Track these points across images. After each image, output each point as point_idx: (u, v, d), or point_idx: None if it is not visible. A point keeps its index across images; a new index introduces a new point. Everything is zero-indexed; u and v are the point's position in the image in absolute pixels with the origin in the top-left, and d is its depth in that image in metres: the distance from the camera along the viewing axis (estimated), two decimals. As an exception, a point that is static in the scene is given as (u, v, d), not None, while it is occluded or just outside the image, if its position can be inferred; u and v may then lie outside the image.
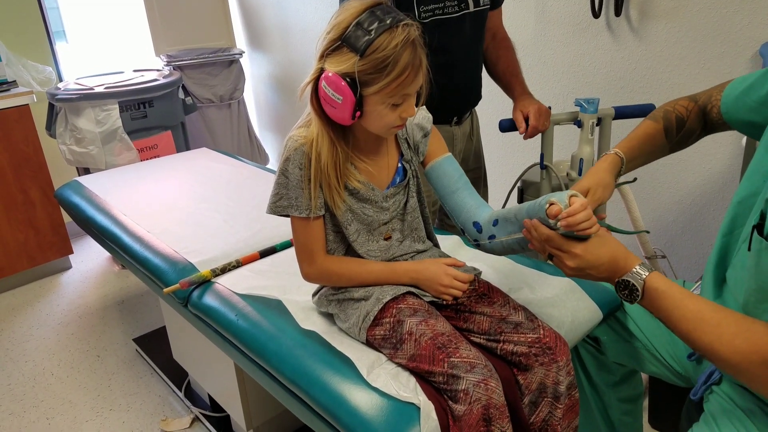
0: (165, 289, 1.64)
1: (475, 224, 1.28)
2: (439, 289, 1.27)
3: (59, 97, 2.97)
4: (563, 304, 1.39)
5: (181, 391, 2.24)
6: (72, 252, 3.34)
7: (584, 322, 1.38)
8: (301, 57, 3.74)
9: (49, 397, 2.36)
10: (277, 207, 1.27)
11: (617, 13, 2.19)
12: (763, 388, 0.93)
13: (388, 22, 1.09)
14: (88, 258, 3.54)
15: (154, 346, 2.53)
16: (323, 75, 1.14)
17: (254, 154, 3.95)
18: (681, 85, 2.13)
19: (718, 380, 1.17)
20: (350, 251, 1.33)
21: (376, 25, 1.09)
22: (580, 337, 1.38)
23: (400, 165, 1.32)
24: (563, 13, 2.39)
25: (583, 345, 1.48)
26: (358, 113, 1.15)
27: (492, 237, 1.25)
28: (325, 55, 1.14)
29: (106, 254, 3.56)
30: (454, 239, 1.72)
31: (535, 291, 1.44)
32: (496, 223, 1.24)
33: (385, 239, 1.33)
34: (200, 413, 2.13)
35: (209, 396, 2.13)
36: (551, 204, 1.06)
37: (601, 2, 2.22)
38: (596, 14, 2.24)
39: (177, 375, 2.31)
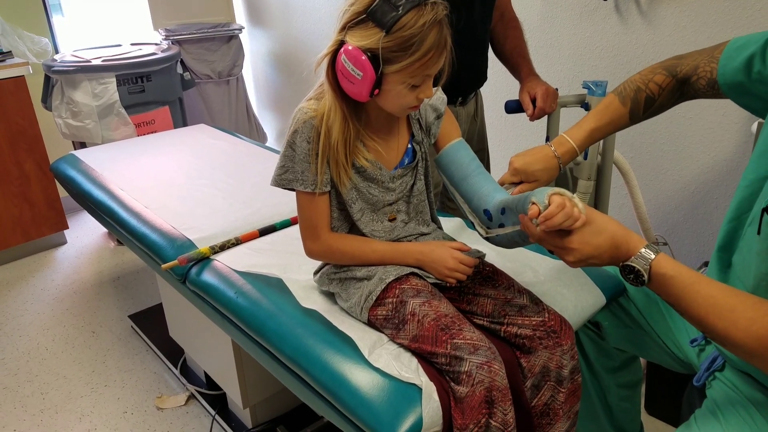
0: (163, 266, 1.62)
1: (486, 212, 1.24)
2: (444, 272, 1.24)
3: (55, 68, 2.92)
4: (567, 289, 1.37)
5: (176, 369, 2.23)
6: (67, 227, 3.31)
7: (587, 306, 1.37)
8: (301, 34, 3.69)
9: (44, 372, 2.34)
10: (282, 180, 1.24)
11: (626, -5, 2.16)
12: None
13: None
14: (84, 233, 3.51)
15: (150, 323, 2.51)
16: (343, 48, 1.10)
17: (252, 132, 3.91)
18: (688, 70, 2.10)
19: (722, 366, 1.16)
20: (354, 230, 1.31)
21: (404, 1, 1.05)
22: (583, 322, 1.37)
23: (410, 146, 1.30)
24: (571, -6, 2.36)
25: (583, 330, 1.47)
26: (376, 91, 1.11)
27: (501, 225, 1.21)
28: (347, 28, 1.10)
29: (102, 230, 3.53)
30: (456, 221, 1.70)
31: (538, 274, 1.42)
32: (503, 212, 1.19)
33: (390, 220, 1.30)
34: (196, 391, 2.12)
35: (205, 374, 2.12)
36: (532, 204, 1.02)
37: (610, -16, 2.19)
38: (604, -4, 2.21)
39: (172, 352, 2.30)
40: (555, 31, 2.46)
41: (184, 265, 1.60)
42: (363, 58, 1.07)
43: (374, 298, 1.23)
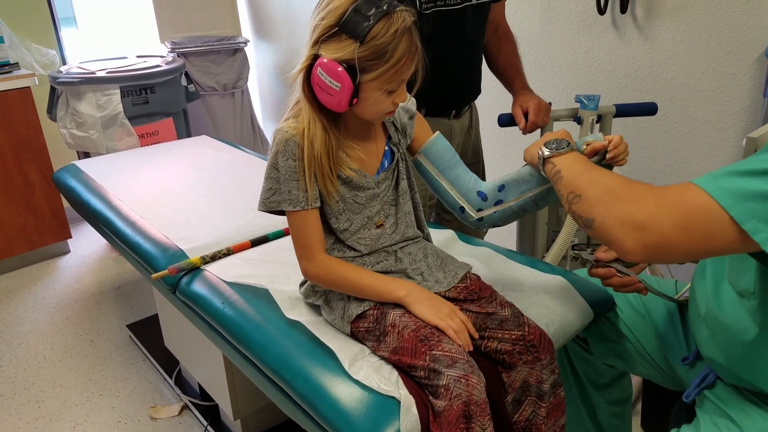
0: (153, 275, 1.63)
1: (480, 193, 1.28)
2: (434, 316, 1.18)
3: (60, 80, 2.97)
4: (554, 303, 1.36)
5: (171, 379, 2.24)
6: (71, 236, 3.34)
7: (574, 320, 1.35)
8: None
9: (41, 380, 2.35)
10: (270, 203, 1.24)
11: (623, 10, 2.16)
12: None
13: (384, 7, 1.08)
14: (87, 243, 3.54)
15: (147, 332, 2.53)
16: (318, 62, 1.12)
17: (257, 143, 3.94)
18: (685, 84, 2.09)
19: (712, 383, 1.15)
20: (337, 244, 1.30)
21: (374, 10, 1.07)
22: (570, 337, 1.35)
23: (387, 148, 1.31)
24: (568, 9, 2.36)
25: (572, 345, 1.46)
26: (354, 100, 1.13)
27: (499, 202, 1.26)
28: (320, 41, 1.12)
29: (104, 240, 3.55)
30: (448, 233, 1.70)
31: (526, 288, 1.42)
32: (502, 188, 1.25)
33: (377, 227, 1.30)
34: (189, 401, 2.12)
35: (199, 384, 2.13)
36: (588, 144, 1.16)
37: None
38: (602, 11, 2.21)
39: (168, 362, 2.30)
40: (552, 46, 2.46)
41: (174, 275, 1.61)
42: (339, 69, 1.09)
43: (356, 310, 1.23)
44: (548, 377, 1.19)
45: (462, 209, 1.31)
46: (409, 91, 1.20)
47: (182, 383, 2.22)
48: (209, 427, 2.01)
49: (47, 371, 2.41)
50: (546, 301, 1.37)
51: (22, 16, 3.35)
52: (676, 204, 0.86)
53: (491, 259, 1.56)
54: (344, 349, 1.23)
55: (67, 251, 3.42)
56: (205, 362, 1.88)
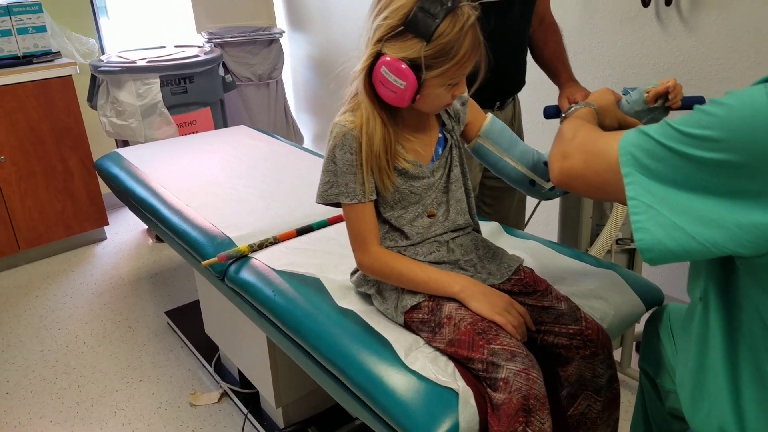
0: (203, 262, 1.64)
1: (546, 163, 1.32)
2: (491, 309, 1.18)
3: (102, 69, 3.00)
4: (606, 297, 1.35)
5: (211, 366, 2.26)
6: (108, 223, 3.39)
7: (627, 315, 1.35)
8: (341, 39, 3.72)
9: (81, 365, 2.39)
10: (327, 195, 1.26)
11: (668, 2, 2.13)
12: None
13: (449, 4, 1.08)
14: (123, 230, 3.58)
15: (185, 319, 2.55)
16: (381, 60, 1.12)
17: (290, 134, 3.95)
18: (731, 79, 2.06)
19: None
20: (390, 233, 1.31)
21: (439, 8, 1.08)
22: (623, 331, 1.35)
23: (440, 135, 1.31)
24: (611, 1, 2.33)
25: (646, 385, 1.39)
26: (417, 96, 1.14)
27: None
28: (383, 40, 1.13)
29: (141, 227, 3.60)
30: (494, 225, 1.69)
31: (577, 282, 1.41)
32: None
33: (429, 216, 1.30)
34: (229, 389, 2.14)
35: (239, 372, 2.15)
36: (648, 91, 1.27)
37: (654, -9, 2.16)
38: (646, 3, 2.18)
39: (207, 349, 2.33)
40: (594, 38, 2.44)
41: (224, 262, 1.63)
42: (404, 67, 1.10)
43: (410, 301, 1.23)
44: (605, 372, 1.19)
45: (532, 182, 1.34)
46: (473, 82, 1.20)
47: (221, 370, 2.24)
48: (249, 415, 2.03)
49: (87, 356, 2.44)
50: (599, 294, 1.36)
51: (62, 4, 3.39)
52: (596, 144, 0.97)
53: (539, 251, 1.55)
54: (398, 339, 1.23)
55: (104, 238, 3.47)
56: (248, 350, 1.89)
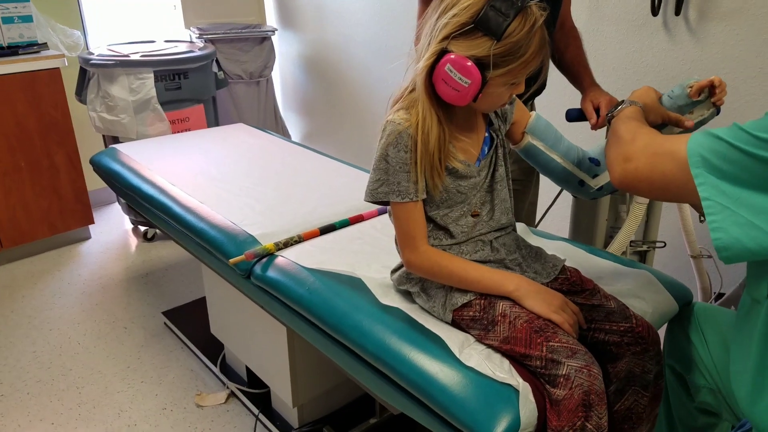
0: (231, 260, 1.61)
1: (591, 159, 1.33)
2: (547, 306, 1.19)
3: (93, 62, 2.91)
4: (643, 296, 1.38)
5: (216, 366, 2.22)
6: (93, 222, 3.30)
7: (663, 314, 1.38)
8: (334, 38, 3.70)
9: (78, 367, 2.32)
10: (378, 193, 1.24)
11: (677, 12, 2.19)
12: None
13: (519, 3, 1.08)
14: (108, 229, 3.49)
15: (185, 319, 2.50)
16: (446, 57, 1.12)
17: (278, 133, 3.92)
18: (737, 88, 2.12)
19: None
20: (434, 231, 1.30)
21: (510, 7, 1.07)
22: (658, 329, 1.37)
23: (487, 134, 1.31)
24: (618, 8, 2.38)
25: (670, 379, 1.42)
26: (480, 95, 1.13)
27: None
28: (450, 38, 1.12)
29: (126, 226, 3.51)
30: (521, 227, 1.70)
31: (613, 282, 1.43)
32: None
33: (473, 216, 1.30)
34: (237, 388, 2.10)
35: (246, 372, 2.11)
36: (691, 86, 1.27)
37: (661, 0, 2.21)
38: (655, 12, 2.23)
39: (209, 350, 2.29)
40: (600, 45, 2.48)
41: (251, 260, 1.60)
42: (470, 65, 1.10)
43: (461, 300, 1.23)
44: (653, 367, 1.21)
45: (581, 183, 1.35)
46: (532, 82, 1.20)
47: (227, 371, 2.20)
48: (261, 415, 2.00)
49: (83, 357, 2.37)
50: (636, 294, 1.38)
51: (47, -5, 3.29)
52: (662, 147, 0.99)
53: (572, 252, 1.57)
54: (449, 336, 1.23)
55: (89, 237, 3.37)
56: (263, 349, 1.87)
